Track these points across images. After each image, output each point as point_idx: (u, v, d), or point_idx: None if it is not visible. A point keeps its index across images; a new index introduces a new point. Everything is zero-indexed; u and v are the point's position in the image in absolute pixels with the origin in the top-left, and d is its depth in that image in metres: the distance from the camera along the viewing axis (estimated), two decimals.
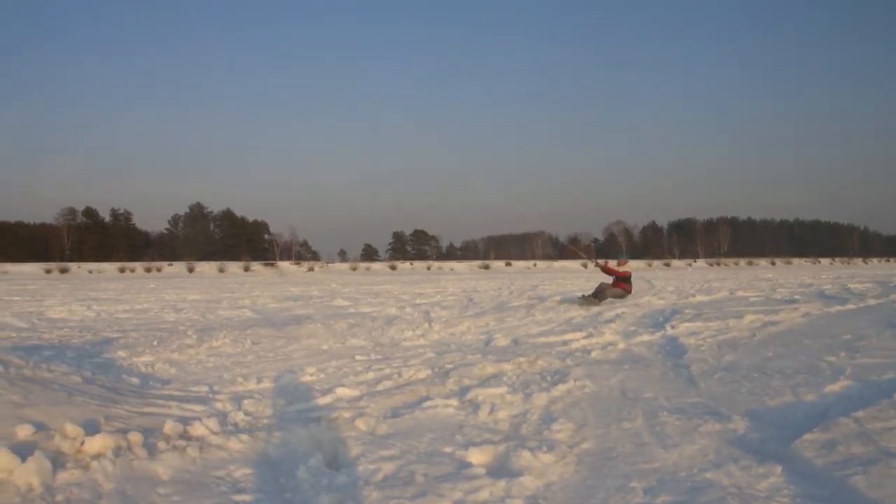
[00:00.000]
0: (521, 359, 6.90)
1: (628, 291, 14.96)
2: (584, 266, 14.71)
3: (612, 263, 15.35)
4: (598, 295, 14.32)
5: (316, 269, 70.68)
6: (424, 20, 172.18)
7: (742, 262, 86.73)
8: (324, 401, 5.36)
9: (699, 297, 15.75)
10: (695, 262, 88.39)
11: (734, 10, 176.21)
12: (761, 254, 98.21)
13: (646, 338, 8.66)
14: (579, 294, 15.77)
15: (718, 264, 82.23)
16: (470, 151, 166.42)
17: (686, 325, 9.56)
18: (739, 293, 17.28)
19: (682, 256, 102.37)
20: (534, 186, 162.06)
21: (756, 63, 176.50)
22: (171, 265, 70.62)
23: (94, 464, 3.38)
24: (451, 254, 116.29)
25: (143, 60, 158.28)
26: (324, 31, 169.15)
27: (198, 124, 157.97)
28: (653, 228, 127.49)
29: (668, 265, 78.74)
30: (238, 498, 3.30)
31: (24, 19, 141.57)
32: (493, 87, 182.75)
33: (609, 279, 15.07)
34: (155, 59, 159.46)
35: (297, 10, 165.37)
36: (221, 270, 65.50)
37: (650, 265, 75.18)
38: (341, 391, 5.61)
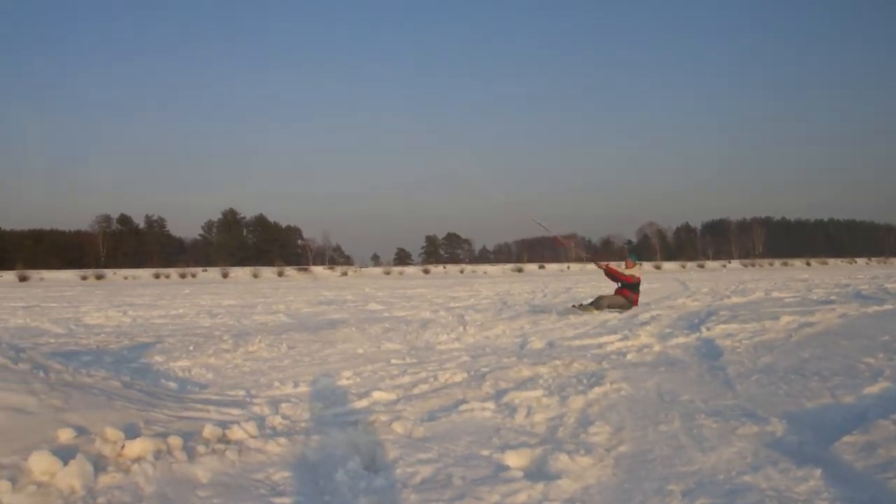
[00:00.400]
0: (557, 362, 6.86)
1: (633, 302, 12.83)
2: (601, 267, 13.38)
3: (618, 266, 13.44)
4: (596, 304, 12.53)
5: (349, 273, 71.14)
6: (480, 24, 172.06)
7: (777, 262, 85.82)
8: (360, 404, 5.38)
9: (734, 299, 15.57)
10: (729, 262, 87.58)
11: (749, 7, 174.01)
12: (796, 254, 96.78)
13: (681, 340, 8.57)
14: (573, 303, 13.61)
15: (753, 265, 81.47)
16: (500, 155, 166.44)
17: (722, 326, 9.43)
18: (775, 294, 17.07)
19: (716, 257, 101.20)
20: (565, 189, 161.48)
21: (792, 61, 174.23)
22: (206, 271, 71.64)
23: (135, 467, 3.43)
24: (483, 257, 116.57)
25: (176, 66, 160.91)
26: (327, 34, 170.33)
27: (231, 130, 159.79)
28: (686, 229, 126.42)
29: (701, 266, 78.09)
30: (277, 500, 3.33)
31: (53, 28, 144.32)
32: (521, 90, 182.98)
33: (614, 285, 13.16)
34: (189, 65, 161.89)
35: (298, 10, 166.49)
36: (255, 276, 66.16)
37: (684, 266, 74.61)
38: (377, 395, 5.62)
